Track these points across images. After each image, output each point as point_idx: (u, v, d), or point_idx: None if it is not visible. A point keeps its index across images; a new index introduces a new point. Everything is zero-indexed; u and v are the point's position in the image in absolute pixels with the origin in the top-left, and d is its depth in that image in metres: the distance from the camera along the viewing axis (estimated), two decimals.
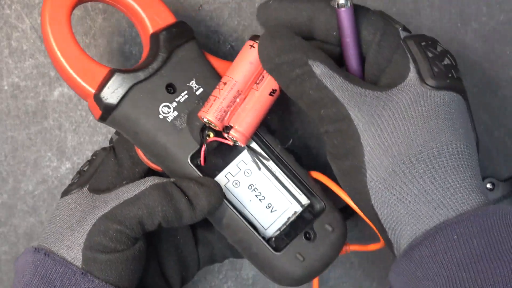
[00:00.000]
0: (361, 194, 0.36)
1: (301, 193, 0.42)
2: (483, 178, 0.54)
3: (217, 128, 0.39)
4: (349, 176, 0.37)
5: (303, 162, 0.43)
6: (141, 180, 0.40)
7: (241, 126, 0.39)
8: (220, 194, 0.39)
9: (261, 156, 0.41)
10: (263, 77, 0.39)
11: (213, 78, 0.41)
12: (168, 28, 0.41)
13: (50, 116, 0.49)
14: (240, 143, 0.40)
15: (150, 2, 0.41)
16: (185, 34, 0.41)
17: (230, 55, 0.50)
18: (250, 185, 0.41)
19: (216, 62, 0.42)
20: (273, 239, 0.41)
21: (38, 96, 0.49)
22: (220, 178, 0.41)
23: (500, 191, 0.54)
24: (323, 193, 0.42)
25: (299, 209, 0.42)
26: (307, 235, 0.41)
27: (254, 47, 0.39)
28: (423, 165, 0.35)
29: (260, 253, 0.41)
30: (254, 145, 0.41)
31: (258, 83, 0.39)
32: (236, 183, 0.41)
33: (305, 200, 0.42)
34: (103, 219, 0.38)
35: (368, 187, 0.36)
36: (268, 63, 0.38)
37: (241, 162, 0.41)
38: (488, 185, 0.54)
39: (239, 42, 0.50)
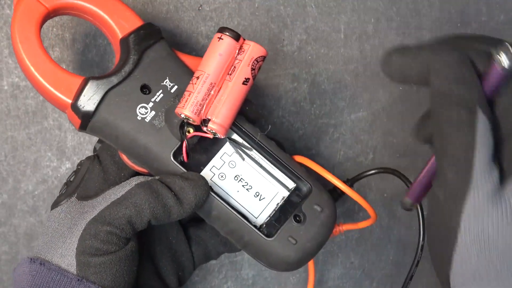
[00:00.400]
0: (443, 260, 0.34)
1: (286, 178, 0.43)
2: None
3: (195, 123, 0.40)
4: (438, 240, 0.35)
5: (285, 147, 0.44)
6: (127, 181, 0.41)
7: (218, 117, 0.39)
8: (205, 186, 0.39)
9: (243, 146, 0.42)
10: (234, 67, 0.40)
11: (186, 75, 0.41)
12: (136, 31, 0.41)
13: (50, 116, 0.49)
14: (220, 135, 0.40)
15: (116, 8, 0.42)
16: (153, 35, 0.42)
17: None
18: (236, 176, 0.42)
19: (187, 59, 0.42)
20: (264, 225, 0.42)
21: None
22: (205, 172, 0.41)
23: None
24: (309, 175, 0.43)
25: (286, 193, 0.42)
26: (297, 218, 0.41)
27: (222, 39, 0.39)
28: None
29: (253, 241, 0.41)
30: (235, 136, 0.42)
31: (230, 74, 0.40)
32: (222, 176, 0.42)
33: (291, 184, 0.43)
34: (92, 223, 0.38)
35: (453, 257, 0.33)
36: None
37: (224, 155, 0.42)
38: None
39: None
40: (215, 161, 0.42)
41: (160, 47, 0.41)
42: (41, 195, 0.50)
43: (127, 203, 0.38)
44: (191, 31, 0.50)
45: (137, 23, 0.42)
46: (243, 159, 0.42)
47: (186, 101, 0.39)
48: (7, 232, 0.50)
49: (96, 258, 0.37)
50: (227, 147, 0.42)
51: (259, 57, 0.40)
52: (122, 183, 0.41)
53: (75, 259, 0.38)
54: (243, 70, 0.40)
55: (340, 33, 0.51)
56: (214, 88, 0.39)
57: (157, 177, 0.40)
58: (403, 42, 0.52)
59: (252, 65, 0.40)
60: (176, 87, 0.41)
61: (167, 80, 0.41)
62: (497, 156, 0.33)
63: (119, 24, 0.42)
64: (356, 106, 0.52)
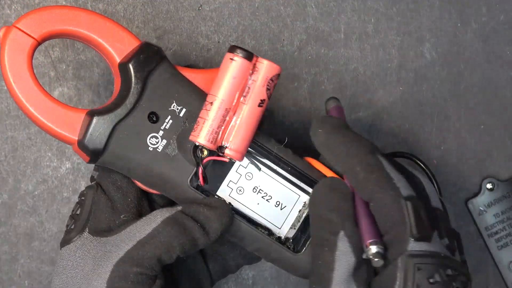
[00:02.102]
0: None
1: (305, 184, 0.41)
2: (483, 178, 0.54)
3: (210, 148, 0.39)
4: None
5: (298, 150, 0.43)
6: (150, 215, 0.39)
7: (235, 144, 0.38)
8: (230, 212, 0.39)
9: (257, 156, 0.41)
10: (249, 88, 0.38)
11: (193, 94, 0.40)
12: (136, 56, 0.39)
13: None
14: (236, 160, 0.39)
15: (109, 30, 0.39)
16: (154, 57, 0.39)
17: None
18: (254, 188, 0.41)
19: (192, 75, 0.40)
20: (291, 240, 0.41)
21: None
22: (223, 188, 0.40)
23: (500, 191, 0.54)
24: None
25: (307, 198, 0.41)
26: None
27: (234, 60, 0.37)
28: None
29: (280, 257, 0.41)
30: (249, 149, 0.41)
31: (245, 96, 0.38)
32: (240, 190, 0.41)
33: (311, 189, 0.41)
34: (121, 264, 0.37)
35: None
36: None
37: (240, 167, 0.40)
38: (488, 185, 0.54)
39: (239, 42, 0.50)
40: (231, 175, 0.40)
41: (163, 69, 0.39)
42: (41, 195, 0.50)
43: (156, 242, 0.37)
44: (191, 31, 0.50)
45: (133, 43, 0.40)
46: (259, 169, 0.41)
47: (201, 129, 0.38)
48: (7, 232, 0.50)
49: None
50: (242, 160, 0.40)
51: (274, 76, 0.38)
52: (145, 218, 0.39)
53: None
54: (258, 91, 0.38)
55: (340, 33, 0.51)
56: (229, 113, 0.38)
57: (179, 208, 0.39)
58: (403, 42, 0.52)
59: (268, 85, 0.38)
60: (184, 110, 0.39)
61: (174, 104, 0.39)
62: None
63: (114, 47, 0.39)
64: (356, 106, 0.52)
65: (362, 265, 0.37)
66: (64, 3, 0.48)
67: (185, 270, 0.43)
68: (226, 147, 0.38)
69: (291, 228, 0.41)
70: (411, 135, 0.53)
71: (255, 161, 0.41)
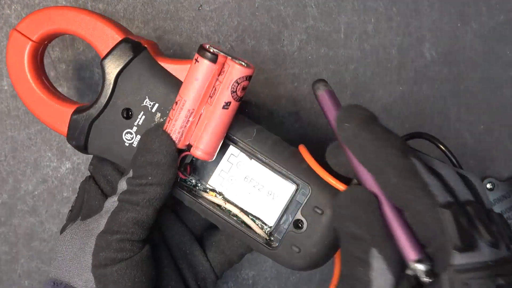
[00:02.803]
0: None
1: (285, 179, 0.41)
2: (483, 178, 0.54)
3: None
4: None
5: (292, 135, 0.42)
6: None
7: (201, 144, 0.38)
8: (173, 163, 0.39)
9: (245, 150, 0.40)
10: (215, 89, 0.37)
11: (168, 88, 0.39)
12: (110, 52, 0.39)
13: None
14: (205, 160, 0.39)
15: (94, 27, 0.40)
16: (130, 51, 0.39)
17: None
18: (245, 177, 0.41)
19: (172, 67, 0.40)
20: (270, 236, 0.41)
21: None
22: (215, 178, 0.41)
23: (500, 191, 0.54)
24: (310, 173, 0.40)
25: (295, 187, 0.40)
26: (299, 224, 0.40)
27: (198, 61, 0.37)
28: None
29: (260, 251, 0.41)
30: (233, 149, 0.41)
31: (211, 96, 0.38)
32: (231, 179, 0.41)
33: (294, 185, 0.41)
34: (102, 236, 0.38)
35: None
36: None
37: (231, 157, 0.41)
38: (488, 185, 0.54)
39: (239, 42, 0.50)
40: (223, 164, 0.41)
41: (138, 63, 0.39)
42: (41, 195, 0.50)
43: (125, 207, 0.38)
44: (191, 31, 0.50)
45: (116, 39, 0.40)
46: (251, 158, 0.40)
47: (166, 128, 0.38)
48: (7, 232, 0.50)
49: (113, 267, 0.37)
50: (233, 149, 0.41)
51: (240, 78, 0.37)
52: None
53: (92, 275, 0.38)
54: (223, 94, 0.37)
55: (340, 33, 0.51)
56: (192, 114, 0.38)
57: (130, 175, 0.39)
58: (403, 42, 0.52)
59: (232, 87, 0.37)
60: (157, 105, 0.40)
61: (147, 99, 0.40)
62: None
63: (100, 44, 0.40)
64: None
65: (402, 280, 0.34)
66: (64, 3, 0.48)
67: (185, 261, 0.44)
68: (192, 146, 0.38)
69: (281, 214, 0.41)
70: None
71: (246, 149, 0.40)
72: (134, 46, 0.40)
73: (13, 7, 0.48)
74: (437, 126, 0.53)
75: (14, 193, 0.50)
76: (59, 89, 0.49)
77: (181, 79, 0.39)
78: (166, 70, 0.40)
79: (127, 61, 0.39)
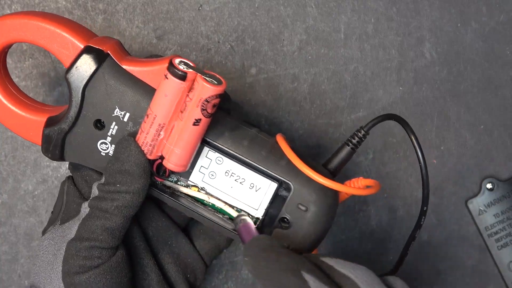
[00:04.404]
0: None
1: (265, 177, 0.40)
2: (483, 178, 0.54)
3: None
4: None
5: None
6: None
7: (172, 157, 0.38)
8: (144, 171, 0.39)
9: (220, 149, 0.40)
10: (186, 105, 0.37)
11: (138, 95, 0.38)
12: (73, 64, 0.38)
13: None
14: (179, 171, 0.39)
15: (54, 37, 0.38)
16: (92, 62, 0.38)
17: (230, 55, 0.50)
18: (226, 172, 0.40)
19: (138, 70, 0.39)
20: (259, 226, 0.41)
21: (38, 96, 0.49)
22: (195, 174, 0.41)
23: (500, 191, 0.54)
24: (290, 169, 0.39)
25: (277, 185, 0.40)
26: (285, 220, 0.40)
27: (167, 77, 0.36)
28: None
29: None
30: (208, 148, 0.40)
31: (182, 111, 0.37)
32: (212, 174, 0.41)
33: (279, 178, 0.40)
34: (71, 242, 0.38)
35: None
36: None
37: (209, 153, 0.40)
38: (488, 185, 0.54)
39: (239, 42, 0.50)
40: (202, 161, 0.40)
41: (103, 73, 0.38)
42: (41, 195, 0.50)
43: (96, 214, 0.38)
44: (191, 31, 0.50)
45: (77, 48, 0.38)
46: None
47: (138, 139, 0.38)
48: (7, 232, 0.50)
49: (81, 276, 0.37)
50: (209, 148, 0.40)
51: (210, 97, 0.36)
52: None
53: (62, 282, 0.38)
54: (193, 111, 0.37)
55: (340, 33, 0.51)
56: (163, 128, 0.37)
57: (100, 182, 0.39)
58: (403, 42, 0.52)
59: (202, 106, 0.36)
60: (128, 114, 0.39)
61: (117, 109, 0.39)
62: None
63: (61, 54, 0.38)
64: (356, 106, 0.52)
65: None
66: (64, 3, 0.48)
67: (170, 256, 0.43)
68: (164, 158, 0.38)
69: (268, 208, 0.40)
70: None
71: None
72: (96, 55, 0.38)
73: (13, 7, 0.48)
74: (437, 126, 0.53)
75: (14, 193, 0.50)
76: (59, 89, 0.49)
77: (148, 82, 0.38)
78: (132, 75, 0.39)
79: (91, 73, 0.38)
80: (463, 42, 0.53)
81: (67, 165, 0.44)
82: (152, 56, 0.41)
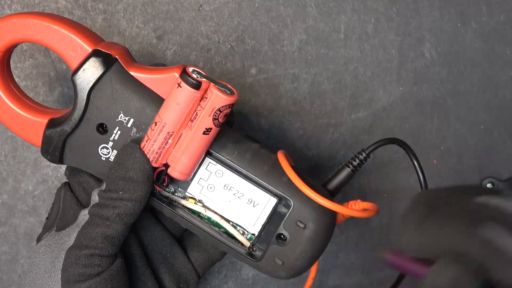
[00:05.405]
0: None
1: (267, 192, 0.40)
2: (483, 178, 0.54)
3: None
4: None
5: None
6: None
7: (178, 165, 0.38)
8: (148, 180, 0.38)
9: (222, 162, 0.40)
10: (197, 114, 0.37)
11: (143, 102, 0.38)
12: (81, 67, 0.38)
13: None
14: (182, 180, 0.39)
15: (62, 38, 0.38)
16: (100, 65, 0.38)
17: (230, 55, 0.50)
18: (225, 185, 0.40)
19: (145, 77, 0.39)
20: (253, 247, 0.41)
21: (38, 96, 0.49)
22: (194, 186, 0.40)
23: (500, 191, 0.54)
24: (290, 186, 0.39)
25: (276, 200, 0.40)
26: (282, 237, 0.40)
27: (180, 86, 0.36)
28: None
29: (243, 262, 0.41)
30: (210, 159, 0.40)
31: (192, 120, 0.37)
32: (211, 187, 0.40)
33: (276, 198, 0.40)
34: (71, 250, 0.37)
35: None
36: None
37: (209, 165, 0.40)
38: (488, 185, 0.54)
39: (239, 42, 0.50)
40: (201, 173, 0.40)
41: (110, 78, 0.38)
42: (41, 195, 0.50)
43: (96, 221, 0.37)
44: (191, 31, 0.50)
45: (85, 51, 0.38)
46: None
47: (144, 147, 0.38)
48: (7, 232, 0.50)
49: (82, 284, 0.37)
50: (210, 159, 0.40)
51: (222, 106, 0.36)
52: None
53: None
54: (204, 120, 0.37)
55: (340, 33, 0.51)
56: (172, 136, 0.37)
57: (102, 187, 0.39)
58: (403, 42, 0.52)
59: (214, 115, 0.37)
60: (132, 120, 0.39)
61: (122, 114, 0.39)
62: None
63: (69, 56, 0.38)
64: (356, 106, 0.52)
65: None
66: (64, 3, 0.48)
67: (165, 266, 0.43)
68: (169, 166, 0.38)
69: (265, 224, 0.40)
70: (411, 135, 0.53)
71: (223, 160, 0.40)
72: (105, 59, 0.38)
73: (13, 7, 0.48)
74: (437, 126, 0.53)
75: (14, 193, 0.50)
76: (59, 89, 0.49)
77: (154, 90, 0.38)
78: (139, 82, 0.39)
79: (98, 76, 0.38)
80: (463, 42, 0.53)
81: (64, 170, 0.44)
82: (157, 64, 0.41)
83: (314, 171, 0.52)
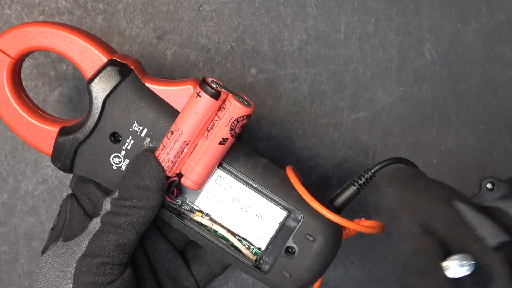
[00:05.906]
0: None
1: (277, 206, 0.41)
2: (483, 178, 0.54)
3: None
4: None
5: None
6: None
7: (191, 175, 0.38)
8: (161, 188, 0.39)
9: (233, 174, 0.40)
10: (214, 124, 0.37)
11: (158, 112, 0.39)
12: (97, 75, 0.38)
13: None
14: (194, 189, 0.39)
15: (78, 47, 0.39)
16: (117, 74, 0.38)
17: (230, 55, 0.50)
18: (233, 199, 0.40)
19: (161, 89, 0.39)
20: (260, 260, 0.41)
21: (38, 96, 0.49)
22: (201, 199, 0.40)
23: (500, 191, 0.54)
24: (299, 200, 0.40)
25: (286, 214, 0.40)
26: (290, 250, 0.40)
27: (200, 96, 0.37)
28: None
29: (250, 275, 0.41)
30: (220, 171, 0.40)
31: (209, 130, 0.38)
32: (219, 200, 0.40)
33: (285, 211, 0.41)
34: (82, 259, 0.37)
35: None
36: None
37: (218, 178, 0.40)
38: (488, 185, 0.54)
39: (239, 42, 0.50)
40: (210, 186, 0.40)
41: (125, 87, 0.38)
42: (41, 195, 0.50)
43: (107, 229, 0.37)
44: (191, 31, 0.50)
45: (101, 61, 0.39)
46: (239, 180, 0.40)
47: (159, 155, 0.38)
48: (7, 232, 0.50)
49: None
50: (220, 171, 0.40)
51: (240, 117, 0.37)
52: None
53: None
54: (221, 130, 0.37)
55: (340, 33, 0.51)
56: (188, 145, 0.38)
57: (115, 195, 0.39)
58: (403, 42, 0.52)
59: (232, 125, 0.37)
60: (146, 130, 0.39)
61: (136, 124, 0.39)
62: None
63: (84, 65, 0.39)
64: (356, 106, 0.52)
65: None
66: (64, 3, 0.48)
67: (168, 278, 0.43)
68: (183, 175, 0.38)
69: (272, 239, 0.40)
70: (411, 135, 0.53)
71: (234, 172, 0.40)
72: (121, 69, 0.38)
73: (13, 7, 0.48)
74: (437, 126, 0.53)
75: (14, 193, 0.50)
76: (59, 89, 0.49)
77: (168, 101, 0.39)
78: (153, 93, 0.39)
79: (114, 85, 0.38)
80: (463, 42, 0.53)
81: (69, 182, 0.44)
82: (168, 77, 0.42)
83: (314, 171, 0.52)
